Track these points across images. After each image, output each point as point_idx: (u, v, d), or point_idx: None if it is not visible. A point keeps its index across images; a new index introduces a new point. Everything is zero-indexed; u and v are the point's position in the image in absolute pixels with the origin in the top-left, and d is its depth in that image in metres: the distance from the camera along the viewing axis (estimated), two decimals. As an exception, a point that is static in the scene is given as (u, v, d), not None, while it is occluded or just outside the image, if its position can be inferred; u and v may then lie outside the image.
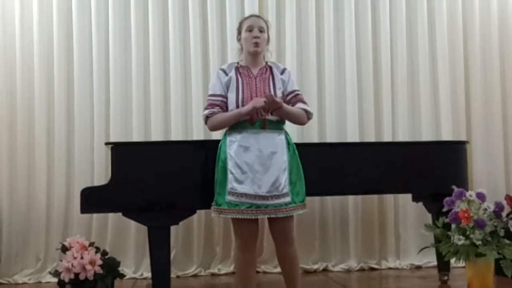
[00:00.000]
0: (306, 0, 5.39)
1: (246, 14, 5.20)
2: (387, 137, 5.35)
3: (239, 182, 3.26)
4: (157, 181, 3.77)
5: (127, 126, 5.19)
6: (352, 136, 5.30)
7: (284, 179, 3.29)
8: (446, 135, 5.38)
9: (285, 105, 3.31)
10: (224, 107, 3.38)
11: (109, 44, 5.20)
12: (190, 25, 5.26)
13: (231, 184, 3.27)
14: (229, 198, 3.26)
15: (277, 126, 3.38)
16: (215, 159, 3.43)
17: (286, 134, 3.44)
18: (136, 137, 5.12)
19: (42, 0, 5.17)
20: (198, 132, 5.14)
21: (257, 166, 3.26)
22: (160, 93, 5.22)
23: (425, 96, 5.46)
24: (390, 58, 5.45)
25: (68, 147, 5.16)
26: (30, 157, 5.10)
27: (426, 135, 5.40)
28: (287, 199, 3.29)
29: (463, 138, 5.31)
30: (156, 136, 5.13)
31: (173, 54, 5.23)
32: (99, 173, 5.03)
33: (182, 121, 5.22)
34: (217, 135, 5.05)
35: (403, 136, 5.37)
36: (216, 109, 3.37)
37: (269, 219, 3.34)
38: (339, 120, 5.37)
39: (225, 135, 3.42)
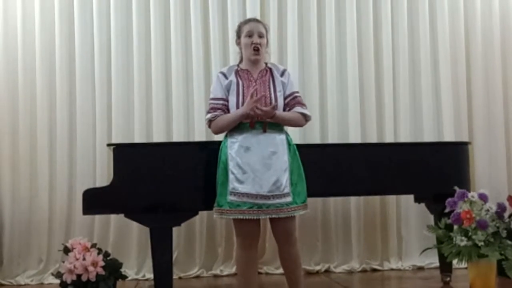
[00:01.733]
0: (307, 1, 5.39)
1: (248, 15, 5.20)
2: (389, 138, 5.35)
3: (240, 182, 3.27)
4: (159, 182, 3.77)
5: (129, 127, 5.19)
6: (354, 137, 5.30)
7: (285, 179, 3.29)
8: (448, 136, 5.38)
9: (278, 112, 3.32)
10: (226, 110, 3.40)
11: (110, 46, 5.21)
12: (192, 26, 5.26)
13: (232, 184, 3.28)
14: (230, 198, 3.27)
15: (277, 127, 3.39)
16: (217, 160, 3.43)
17: (287, 134, 3.45)
18: (138, 138, 5.13)
19: (44, 1, 5.18)
20: (200, 133, 5.14)
21: (258, 166, 3.27)
22: (162, 94, 5.22)
23: (427, 97, 5.46)
24: (391, 59, 5.45)
25: (70, 148, 5.17)
26: (32, 159, 5.11)
27: (428, 136, 5.40)
28: (289, 199, 3.29)
29: (465, 139, 5.30)
30: (158, 137, 5.14)
31: (175, 55, 5.23)
32: (101, 174, 5.04)
33: (184, 122, 5.22)
34: (219, 136, 5.08)
35: (405, 137, 5.37)
36: (218, 112, 3.39)
37: (270, 219, 3.34)
38: (341, 121, 5.37)
39: (226, 136, 3.43)
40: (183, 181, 3.78)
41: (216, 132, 3.49)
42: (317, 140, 5.25)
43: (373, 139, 5.34)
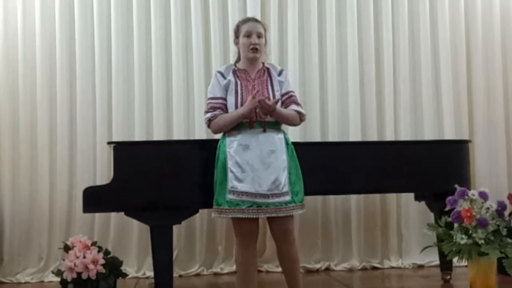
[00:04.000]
0: (308, 0, 5.38)
1: (249, 14, 5.20)
2: (389, 136, 5.35)
3: (239, 180, 3.26)
4: (159, 180, 3.77)
5: (129, 125, 5.19)
6: (354, 135, 5.29)
7: (284, 178, 3.29)
8: (449, 134, 5.38)
9: (278, 107, 3.32)
10: (225, 109, 3.39)
11: (111, 44, 5.21)
12: (192, 25, 5.26)
13: (232, 182, 3.27)
14: (229, 197, 3.26)
15: (276, 126, 3.39)
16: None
17: (285, 134, 3.44)
18: (138, 136, 5.13)
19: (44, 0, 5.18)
20: (200, 131, 5.14)
21: (257, 164, 3.27)
22: (162, 92, 5.22)
23: (427, 95, 5.45)
24: (392, 57, 5.45)
25: (70, 146, 5.17)
26: (33, 157, 5.11)
27: (428, 134, 5.39)
28: (287, 198, 3.29)
29: (465, 137, 5.30)
30: (158, 135, 5.14)
31: (175, 53, 5.23)
32: (102, 172, 5.04)
33: (184, 120, 5.22)
34: (219, 134, 5.08)
35: (405, 135, 5.37)
36: (217, 112, 3.38)
37: (269, 219, 3.33)
38: (341, 119, 5.37)
39: (223, 135, 3.42)
40: (183, 179, 3.79)
41: (216, 132, 3.48)
42: (317, 138, 5.24)
43: (373, 137, 5.33)
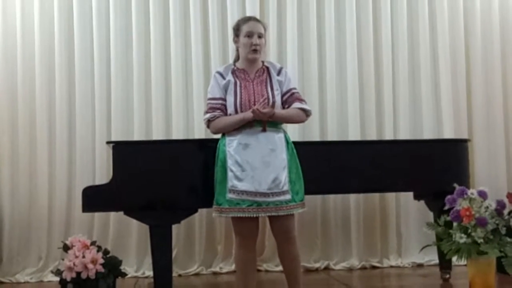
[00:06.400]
0: (307, 0, 5.38)
1: (248, 13, 5.19)
2: (388, 136, 5.35)
3: (239, 179, 3.26)
4: (158, 180, 3.76)
5: (129, 125, 5.19)
6: (353, 134, 5.29)
7: (284, 176, 3.29)
8: (448, 133, 5.38)
9: (277, 111, 3.32)
10: (225, 110, 3.39)
11: (110, 43, 5.21)
12: (191, 24, 5.26)
13: (232, 182, 3.27)
14: (229, 196, 3.26)
15: (276, 125, 3.39)
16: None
17: (285, 133, 3.44)
18: (137, 136, 5.12)
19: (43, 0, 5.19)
20: (199, 131, 5.14)
21: (256, 163, 3.27)
22: (161, 92, 5.22)
23: (426, 94, 5.45)
24: (391, 56, 5.45)
25: (69, 146, 5.17)
26: (32, 156, 5.11)
27: (427, 133, 5.40)
28: (288, 196, 3.29)
29: (464, 136, 5.30)
30: (157, 135, 5.14)
31: (174, 53, 5.23)
32: (101, 172, 5.04)
33: (183, 119, 5.22)
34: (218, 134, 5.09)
35: (404, 134, 5.37)
36: (217, 113, 3.38)
37: (269, 217, 3.34)
38: (340, 118, 5.37)
39: (223, 134, 3.42)
40: (182, 178, 3.78)
41: (215, 132, 3.48)
42: (316, 138, 5.24)
43: (372, 136, 5.34)
